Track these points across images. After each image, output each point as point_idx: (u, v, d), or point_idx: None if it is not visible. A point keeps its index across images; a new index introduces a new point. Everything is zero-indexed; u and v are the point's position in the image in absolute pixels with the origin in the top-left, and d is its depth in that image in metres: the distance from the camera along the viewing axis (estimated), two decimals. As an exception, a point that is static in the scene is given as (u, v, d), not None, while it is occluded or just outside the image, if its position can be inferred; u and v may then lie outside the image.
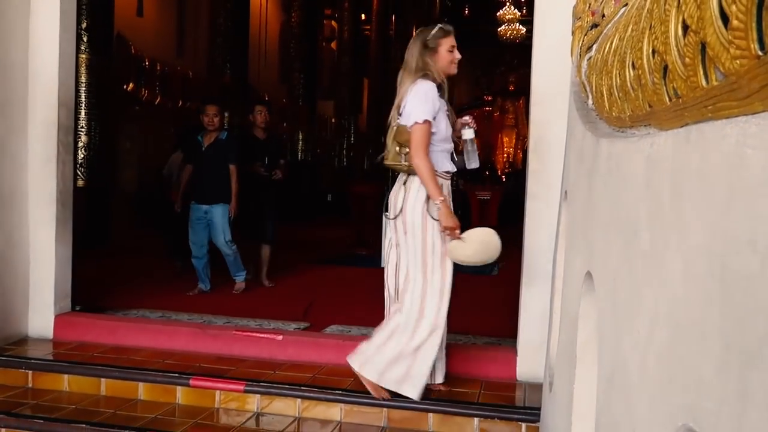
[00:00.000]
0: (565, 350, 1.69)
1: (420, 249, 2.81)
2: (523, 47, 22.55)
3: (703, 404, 0.58)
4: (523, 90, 23.87)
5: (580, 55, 2.18)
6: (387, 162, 2.92)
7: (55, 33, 3.79)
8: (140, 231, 9.56)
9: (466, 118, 2.94)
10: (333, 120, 19.13)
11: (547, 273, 3.18)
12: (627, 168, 0.96)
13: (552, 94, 3.20)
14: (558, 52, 3.16)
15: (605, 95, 1.38)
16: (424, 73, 2.85)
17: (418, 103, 2.78)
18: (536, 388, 3.14)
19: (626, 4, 1.79)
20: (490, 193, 7.87)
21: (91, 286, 5.16)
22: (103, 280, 5.56)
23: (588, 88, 1.93)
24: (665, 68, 0.87)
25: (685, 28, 0.77)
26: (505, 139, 25.03)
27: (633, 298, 0.87)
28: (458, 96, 25.43)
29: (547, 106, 3.23)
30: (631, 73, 1.08)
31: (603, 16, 1.94)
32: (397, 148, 2.85)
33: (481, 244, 2.77)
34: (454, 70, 2.92)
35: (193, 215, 5.19)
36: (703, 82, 0.73)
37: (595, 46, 1.92)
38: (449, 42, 2.88)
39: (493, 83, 24.71)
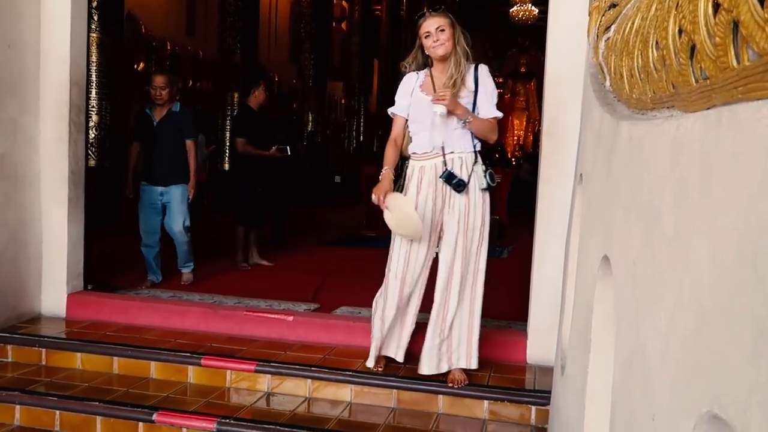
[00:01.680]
0: (578, 334, 1.69)
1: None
2: (535, 28, 22.36)
3: (731, 391, 0.57)
4: (534, 72, 23.68)
5: (597, 36, 2.15)
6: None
7: (67, 12, 3.77)
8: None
9: (440, 92, 2.82)
10: (343, 101, 19.07)
11: (559, 256, 3.16)
12: (650, 151, 0.95)
13: (567, 75, 3.16)
14: (573, 32, 3.12)
15: (625, 77, 1.36)
16: (403, 65, 3.02)
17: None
18: (546, 371, 3.14)
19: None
20: (500, 176, 7.82)
21: (103, 265, 5.19)
22: (114, 260, 5.59)
23: (605, 70, 1.90)
24: (692, 48, 0.84)
25: (716, 6, 0.75)
26: (516, 121, 24.88)
27: (655, 283, 0.86)
28: (469, 78, 25.26)
29: (562, 87, 3.20)
30: (655, 54, 1.05)
31: (622, -5, 1.90)
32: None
33: (398, 217, 2.79)
34: (437, 52, 2.87)
35: (145, 198, 4.64)
36: (734, 63, 0.71)
37: (613, 27, 1.89)
38: (423, 28, 2.88)
39: (504, 65, 24.52)
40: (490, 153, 18.14)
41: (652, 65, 1.08)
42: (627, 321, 1.05)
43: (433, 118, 2.79)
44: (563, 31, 3.19)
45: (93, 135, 8.59)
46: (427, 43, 2.87)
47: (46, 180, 3.82)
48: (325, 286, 4.90)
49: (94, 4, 8.38)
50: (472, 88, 2.90)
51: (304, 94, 15.98)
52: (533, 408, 2.87)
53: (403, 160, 3.05)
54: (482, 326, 3.86)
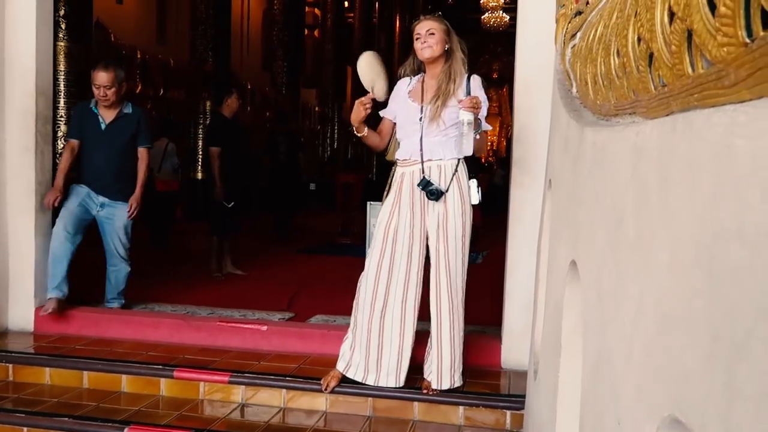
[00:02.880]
0: (549, 338, 1.70)
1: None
2: (507, 35, 22.61)
3: (689, 396, 0.57)
4: (506, 77, 23.90)
5: (564, 43, 2.17)
6: (388, 157, 3.13)
7: (32, 20, 3.71)
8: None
9: (465, 99, 2.75)
10: (317, 108, 19.04)
11: (531, 260, 3.19)
12: (612, 157, 0.96)
13: (536, 81, 3.19)
14: (542, 39, 3.15)
15: (590, 83, 1.38)
16: (405, 68, 3.05)
17: None
18: (521, 375, 3.15)
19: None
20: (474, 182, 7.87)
21: (72, 277, 5.10)
22: (84, 272, 5.49)
23: (572, 76, 1.92)
24: (651, 56, 0.86)
25: (672, 15, 0.76)
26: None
27: (619, 289, 0.87)
28: (442, 84, 25.41)
29: (532, 93, 3.23)
30: (616, 61, 1.07)
31: (587, 3, 1.93)
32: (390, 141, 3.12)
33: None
34: (423, 54, 2.90)
35: (73, 199, 3.85)
36: (689, 70, 0.72)
37: (579, 34, 1.91)
38: (415, 31, 2.92)
39: (476, 71, 24.71)
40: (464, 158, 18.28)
41: (614, 72, 1.09)
42: (594, 326, 1.06)
43: (460, 127, 2.74)
44: (532, 38, 3.23)
45: (62, 145, 8.46)
46: (416, 45, 2.89)
47: (11, 191, 3.74)
48: (300, 295, 4.88)
49: (62, 12, 8.27)
50: (461, 94, 2.88)
51: (277, 102, 15.93)
52: (508, 413, 2.88)
53: (391, 165, 3.06)
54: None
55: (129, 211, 3.92)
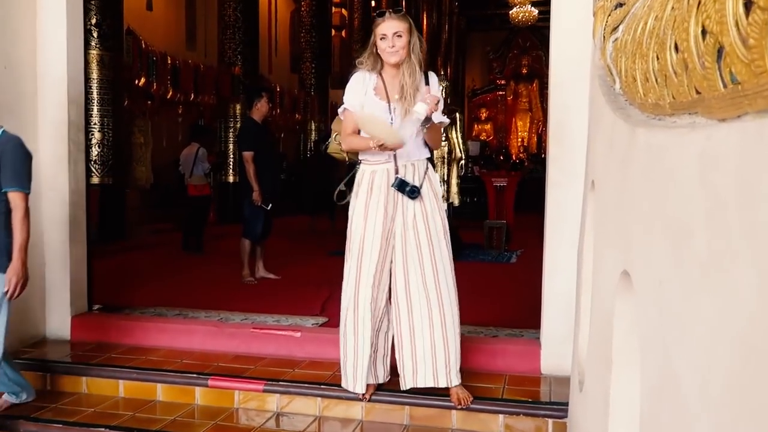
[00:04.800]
0: (597, 350, 1.61)
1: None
2: (535, 29, 22.30)
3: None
4: (536, 73, 23.62)
5: (604, 37, 2.08)
6: (329, 151, 3.06)
7: (63, 30, 3.73)
8: (156, 225, 9.57)
9: (430, 96, 2.66)
10: (345, 109, 19.03)
11: (571, 264, 3.08)
12: (674, 162, 0.87)
13: (572, 77, 3.09)
14: (577, 34, 3.04)
15: (639, 80, 1.29)
16: (358, 62, 2.88)
17: (344, 94, 2.89)
18: (561, 381, 3.05)
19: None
20: (506, 180, 7.74)
21: (108, 284, 5.15)
22: (119, 278, 5.54)
23: (614, 72, 1.82)
24: (720, 50, 0.77)
25: (748, 4, 0.68)
26: (519, 123, 24.80)
27: (687, 309, 0.78)
28: (471, 81, 25.23)
29: (567, 89, 3.12)
30: (674, 56, 0.98)
31: (629, -6, 1.83)
32: (334, 136, 3.02)
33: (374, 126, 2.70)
34: (390, 59, 2.75)
35: None
36: (772, 66, 0.64)
37: (622, 27, 1.82)
38: (380, 31, 2.75)
39: (505, 67, 24.46)
40: (495, 156, 17.98)
41: (670, 68, 1.00)
42: (654, 345, 0.97)
43: (411, 115, 2.66)
44: (567, 32, 3.13)
45: (96, 152, 8.57)
46: (382, 45, 2.75)
47: (46, 201, 3.76)
48: (333, 299, 4.82)
49: (93, 20, 8.37)
50: (420, 96, 2.76)
51: (306, 104, 15.96)
52: (550, 421, 2.79)
53: (352, 165, 2.94)
54: (494, 336, 3.79)
55: (6, 290, 2.75)
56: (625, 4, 1.90)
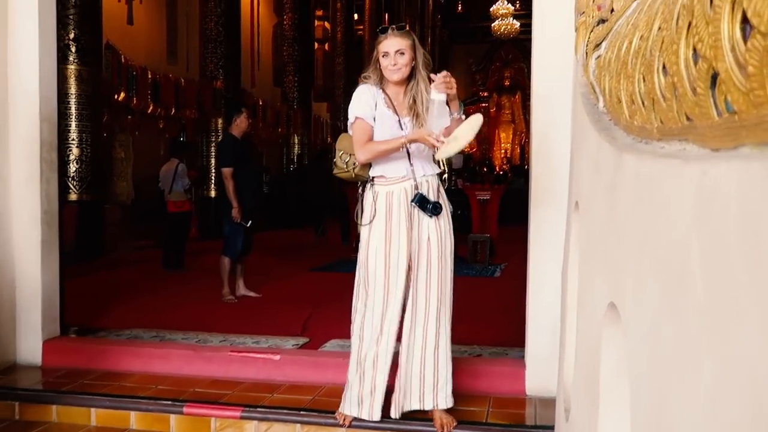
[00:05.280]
0: (584, 381, 1.54)
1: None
2: (517, 42, 22.48)
3: None
4: (518, 85, 23.75)
5: (586, 53, 2.03)
6: (335, 172, 2.87)
7: (35, 47, 3.62)
8: (136, 242, 9.41)
9: (437, 75, 2.55)
10: (328, 121, 19.00)
11: (555, 283, 3.03)
12: (665, 194, 0.81)
13: (555, 91, 3.05)
14: (559, 47, 3.01)
15: (624, 101, 1.23)
16: (364, 76, 2.77)
17: (350, 106, 2.75)
18: (547, 404, 2.98)
19: (639, -3, 1.64)
20: (489, 193, 7.71)
21: (84, 304, 5.01)
22: (96, 298, 5.41)
23: (598, 90, 1.77)
24: (714, 76, 0.71)
25: (746, 28, 0.62)
26: (503, 134, 24.90)
27: (682, 355, 0.72)
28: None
29: (551, 105, 3.08)
30: (662, 80, 0.92)
31: (612, 10, 1.78)
32: (340, 155, 2.80)
33: (470, 129, 2.57)
34: (392, 76, 2.67)
35: None
36: (774, 97, 0.58)
37: (604, 44, 1.77)
38: (382, 48, 2.67)
39: (488, 79, 24.58)
40: (478, 167, 17.99)
41: (658, 92, 0.94)
42: (646, 387, 0.90)
43: (431, 106, 2.56)
44: (549, 43, 3.09)
45: (74, 168, 8.43)
46: (384, 62, 2.67)
47: (17, 222, 3.65)
48: (314, 318, 4.74)
49: (71, 35, 8.26)
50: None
51: (289, 117, 15.88)
52: (536, 445, 2.72)
53: (360, 183, 2.81)
54: (478, 355, 3.72)
55: None
56: (607, 20, 1.85)
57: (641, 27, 1.14)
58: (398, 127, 2.69)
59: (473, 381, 3.15)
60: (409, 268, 2.67)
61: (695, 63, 0.76)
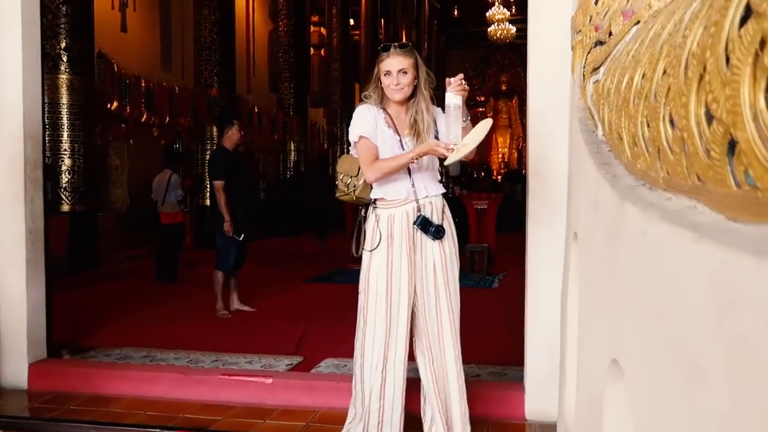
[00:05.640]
0: (586, 427, 1.45)
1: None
2: (513, 47, 22.45)
3: None
4: (515, 89, 23.73)
5: (583, 75, 1.95)
6: (338, 196, 2.76)
7: (18, 61, 3.54)
8: (130, 251, 9.31)
9: (450, 79, 2.43)
10: (324, 128, 18.92)
11: (553, 303, 2.94)
12: (677, 272, 0.72)
13: (551, 110, 2.97)
14: (555, 61, 2.93)
15: (626, 141, 1.15)
16: (364, 95, 2.67)
17: (350, 127, 2.64)
18: (547, 428, 2.90)
19: (638, 22, 1.56)
20: (487, 203, 7.63)
21: (75, 319, 4.92)
22: (86, 313, 5.32)
23: (596, 117, 1.69)
24: (732, 143, 0.63)
25: (772, 98, 0.54)
26: (500, 139, 24.88)
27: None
28: (451, 98, 25.26)
29: (547, 122, 3.00)
30: (669, 131, 0.84)
31: (610, 34, 1.70)
32: (341, 177, 2.71)
33: (479, 134, 2.45)
34: (394, 96, 2.57)
35: None
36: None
37: (602, 69, 1.69)
38: (384, 67, 2.56)
39: (485, 84, 24.56)
40: (475, 173, 17.90)
41: (665, 143, 0.86)
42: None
43: (447, 110, 2.42)
44: (544, 63, 3.01)
45: (66, 179, 8.33)
46: (386, 82, 2.57)
47: (1, 241, 3.56)
48: (308, 335, 4.65)
49: (63, 44, 8.18)
50: (434, 131, 2.62)
51: (285, 123, 15.80)
52: (535, 474, 2.63)
53: (359, 206, 2.72)
54: (476, 375, 3.64)
55: None
56: (605, 43, 1.77)
57: (643, 63, 1.06)
58: (399, 147, 2.58)
59: (471, 406, 3.03)
60: (414, 294, 2.59)
61: (709, 123, 0.67)
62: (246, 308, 5.52)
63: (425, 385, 2.64)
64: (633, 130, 1.04)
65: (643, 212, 0.89)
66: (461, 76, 2.48)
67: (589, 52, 1.96)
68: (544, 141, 3.05)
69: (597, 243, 1.31)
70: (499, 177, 18.98)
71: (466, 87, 2.46)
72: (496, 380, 3.53)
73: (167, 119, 11.47)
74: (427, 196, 2.59)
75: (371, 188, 2.65)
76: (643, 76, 1.03)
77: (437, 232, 2.54)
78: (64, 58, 8.22)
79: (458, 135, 2.43)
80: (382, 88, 2.60)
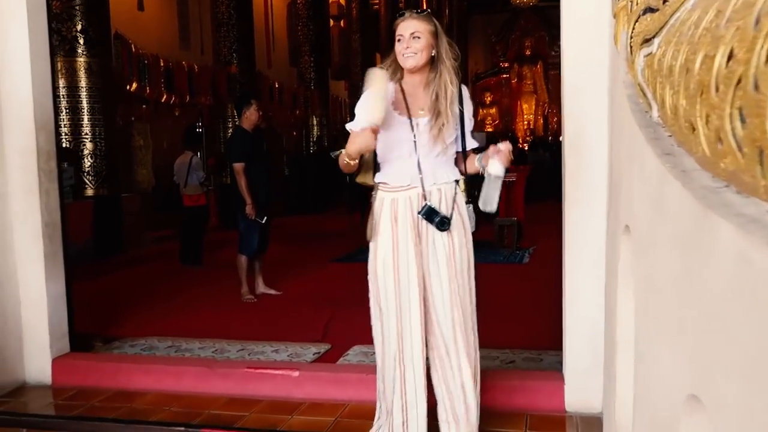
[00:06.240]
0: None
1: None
2: (537, 10, 21.82)
3: None
4: (539, 54, 23.12)
5: (631, 47, 1.74)
6: (357, 180, 2.51)
7: (26, 52, 3.40)
8: (156, 233, 9.28)
9: (499, 146, 2.28)
10: (346, 100, 18.66)
11: (593, 289, 2.77)
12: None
13: (588, 85, 2.75)
14: (592, 32, 2.71)
15: (703, 134, 0.95)
16: (387, 67, 2.40)
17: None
18: (589, 422, 2.74)
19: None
20: (515, 175, 7.38)
21: (99, 308, 4.88)
22: (111, 301, 5.28)
23: (650, 95, 1.49)
24: None
25: None
26: (525, 105, 24.33)
27: None
28: (474, 65, 24.76)
29: (583, 98, 2.78)
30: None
31: (665, 0, 1.49)
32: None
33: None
34: (405, 63, 2.34)
35: None
36: None
37: (657, 41, 1.48)
38: (397, 32, 2.35)
39: (508, 49, 23.95)
40: (500, 139, 17.68)
41: (772, 146, 0.68)
42: None
43: (487, 179, 2.30)
44: (579, 33, 2.78)
45: (89, 163, 8.28)
46: (398, 48, 2.34)
47: (18, 237, 3.47)
48: (336, 318, 4.53)
49: (78, 27, 8.06)
50: (457, 112, 2.37)
51: (307, 98, 15.61)
52: (579, 473, 2.48)
53: (367, 189, 2.50)
54: (511, 362, 3.48)
55: None
56: (658, 10, 1.56)
57: (728, 40, 0.86)
58: (409, 130, 2.35)
59: (508, 397, 2.91)
60: (424, 283, 2.40)
61: None
62: (271, 291, 5.42)
63: (435, 385, 2.46)
64: (717, 123, 0.85)
65: (744, 234, 0.71)
66: (510, 148, 2.31)
67: (636, 21, 1.74)
68: (581, 118, 2.83)
69: (662, 246, 1.13)
70: (526, 145, 18.58)
71: (512, 157, 2.32)
72: (532, 367, 3.38)
73: (187, 98, 11.35)
74: (435, 183, 2.36)
75: (374, 173, 2.46)
76: (731, 56, 0.83)
77: (441, 223, 2.34)
78: (81, 41, 8.11)
79: (494, 204, 2.35)
80: (397, 61, 2.39)
